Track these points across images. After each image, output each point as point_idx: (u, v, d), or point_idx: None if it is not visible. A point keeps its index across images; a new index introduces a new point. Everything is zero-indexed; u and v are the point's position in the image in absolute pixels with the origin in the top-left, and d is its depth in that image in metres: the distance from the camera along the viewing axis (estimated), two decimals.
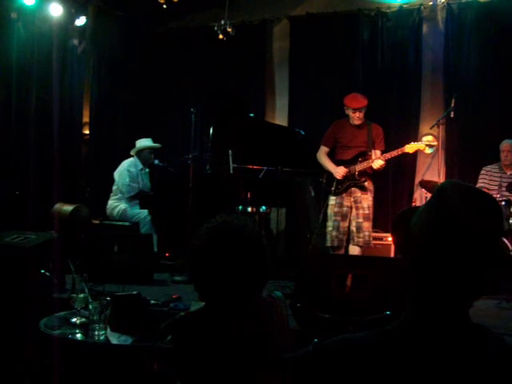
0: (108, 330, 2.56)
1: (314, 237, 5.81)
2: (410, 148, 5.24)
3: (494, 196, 5.24)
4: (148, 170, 6.55)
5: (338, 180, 5.35)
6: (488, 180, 5.79)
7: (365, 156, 5.33)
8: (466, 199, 1.15)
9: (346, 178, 5.34)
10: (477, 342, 1.13)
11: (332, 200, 5.43)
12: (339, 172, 5.33)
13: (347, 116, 5.42)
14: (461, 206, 1.12)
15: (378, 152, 5.37)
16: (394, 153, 5.26)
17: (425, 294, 1.16)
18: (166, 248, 6.01)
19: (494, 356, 1.11)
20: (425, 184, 6.33)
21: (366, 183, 5.33)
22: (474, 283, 1.14)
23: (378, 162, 5.21)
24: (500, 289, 4.77)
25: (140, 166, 6.44)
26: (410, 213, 1.25)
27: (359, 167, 5.29)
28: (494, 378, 1.09)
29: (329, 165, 5.46)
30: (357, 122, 5.34)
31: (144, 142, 6.52)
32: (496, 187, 5.44)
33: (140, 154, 6.46)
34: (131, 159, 6.47)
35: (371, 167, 5.26)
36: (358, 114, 5.29)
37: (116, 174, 6.37)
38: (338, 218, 5.38)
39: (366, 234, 5.31)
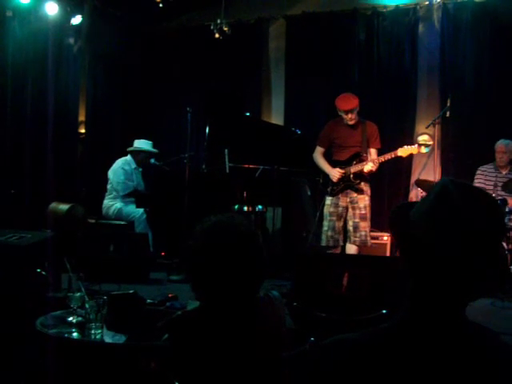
0: (104, 328, 2.56)
1: (311, 236, 5.81)
2: (403, 152, 5.18)
3: None
4: (141, 169, 6.54)
5: (333, 181, 5.35)
6: (484, 180, 5.80)
7: (360, 157, 5.31)
8: (469, 198, 1.15)
9: (341, 179, 5.33)
10: (474, 341, 1.13)
11: (328, 200, 5.43)
12: (334, 175, 5.32)
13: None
14: (464, 205, 1.13)
15: (373, 151, 5.37)
16: (388, 156, 5.23)
17: (422, 293, 1.16)
18: (162, 247, 6.01)
19: (491, 354, 1.11)
20: (420, 183, 6.34)
21: (361, 185, 5.32)
22: (474, 283, 1.14)
23: (368, 166, 5.19)
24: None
25: (134, 165, 6.43)
26: (406, 208, 1.24)
27: (353, 169, 5.29)
28: (491, 376, 1.09)
29: (325, 166, 5.45)
30: (350, 123, 5.32)
31: (144, 145, 6.48)
32: (491, 187, 5.46)
33: (137, 154, 6.44)
34: (125, 158, 6.45)
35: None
36: (349, 116, 5.27)
37: (110, 173, 6.36)
38: (334, 218, 5.38)
39: (363, 233, 5.31)
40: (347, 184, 5.33)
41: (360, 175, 5.30)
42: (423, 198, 1.26)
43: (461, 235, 1.11)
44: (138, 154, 6.44)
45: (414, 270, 1.17)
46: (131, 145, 6.52)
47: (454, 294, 1.14)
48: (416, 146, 5.28)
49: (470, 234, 1.11)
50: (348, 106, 5.24)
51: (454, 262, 1.11)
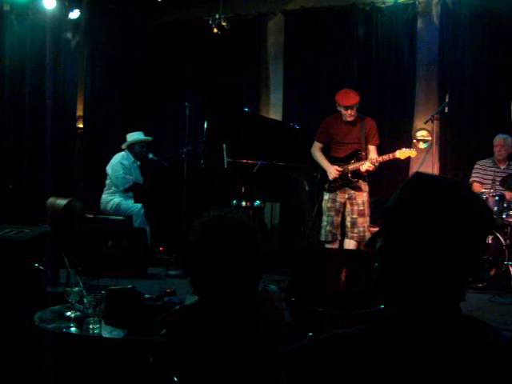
0: (102, 323, 2.56)
1: (308, 231, 5.81)
2: (401, 154, 5.15)
3: (488, 190, 5.24)
4: (139, 163, 6.52)
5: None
6: (482, 174, 5.79)
7: (358, 156, 5.30)
8: (471, 192, 1.17)
9: (339, 177, 5.32)
10: (472, 335, 1.13)
11: (326, 195, 5.42)
12: (332, 173, 5.30)
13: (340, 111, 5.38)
14: (470, 197, 1.15)
15: (372, 147, 5.35)
16: (385, 157, 5.20)
17: (418, 285, 1.15)
18: (160, 242, 6.01)
19: (490, 349, 1.11)
20: None
21: (359, 183, 5.31)
22: (468, 271, 1.16)
23: (365, 165, 5.17)
24: (493, 284, 4.82)
25: (132, 159, 6.41)
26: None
27: (351, 168, 5.27)
28: (489, 371, 1.09)
29: (323, 162, 5.42)
30: (349, 119, 5.28)
31: (135, 136, 6.46)
32: (490, 182, 5.43)
33: (132, 147, 6.42)
34: (123, 153, 6.43)
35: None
36: (349, 112, 5.22)
37: (109, 168, 6.34)
38: (332, 213, 5.37)
39: (361, 229, 5.30)
40: (345, 182, 5.32)
41: (358, 174, 5.27)
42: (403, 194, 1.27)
43: (468, 223, 1.12)
44: (133, 147, 6.42)
45: (411, 262, 1.16)
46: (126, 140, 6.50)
47: (449, 283, 1.15)
48: (414, 150, 5.27)
49: (477, 221, 1.13)
50: (349, 102, 5.19)
51: (457, 252, 1.12)
